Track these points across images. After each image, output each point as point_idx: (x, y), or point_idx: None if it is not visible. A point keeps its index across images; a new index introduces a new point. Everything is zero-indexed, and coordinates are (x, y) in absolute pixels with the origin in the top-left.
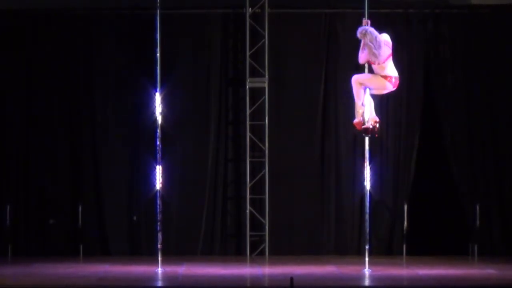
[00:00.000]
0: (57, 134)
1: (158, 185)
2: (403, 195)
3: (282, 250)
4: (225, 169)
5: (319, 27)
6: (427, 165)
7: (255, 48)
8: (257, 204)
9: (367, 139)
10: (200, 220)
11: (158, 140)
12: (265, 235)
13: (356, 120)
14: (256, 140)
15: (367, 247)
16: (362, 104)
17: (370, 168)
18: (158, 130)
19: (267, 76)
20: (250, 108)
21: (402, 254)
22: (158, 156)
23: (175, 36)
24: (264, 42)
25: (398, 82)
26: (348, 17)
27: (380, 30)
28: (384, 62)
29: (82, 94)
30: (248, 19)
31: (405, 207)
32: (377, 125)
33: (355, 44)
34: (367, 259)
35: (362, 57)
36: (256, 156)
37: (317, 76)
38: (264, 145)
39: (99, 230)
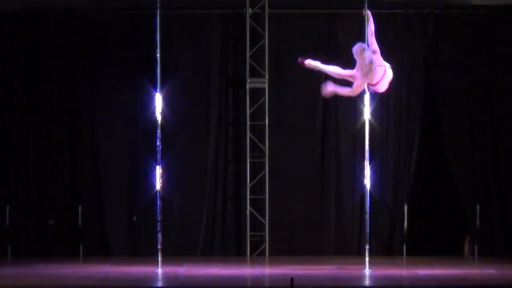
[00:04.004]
0: (57, 134)
1: (158, 185)
2: (403, 195)
3: (282, 250)
4: (225, 169)
5: (319, 27)
6: (427, 165)
7: (255, 48)
8: (257, 204)
9: (367, 139)
10: (200, 220)
11: (158, 140)
12: (265, 235)
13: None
14: (256, 141)
15: (367, 247)
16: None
17: (370, 168)
18: (158, 130)
19: (267, 76)
20: (250, 108)
21: (402, 254)
22: (158, 156)
23: (175, 36)
24: (264, 42)
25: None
26: (348, 17)
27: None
28: (378, 83)
29: (82, 94)
30: (248, 20)
31: (405, 207)
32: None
33: (355, 44)
34: (367, 259)
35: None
36: (256, 156)
37: (317, 76)
38: (264, 145)
39: (99, 230)
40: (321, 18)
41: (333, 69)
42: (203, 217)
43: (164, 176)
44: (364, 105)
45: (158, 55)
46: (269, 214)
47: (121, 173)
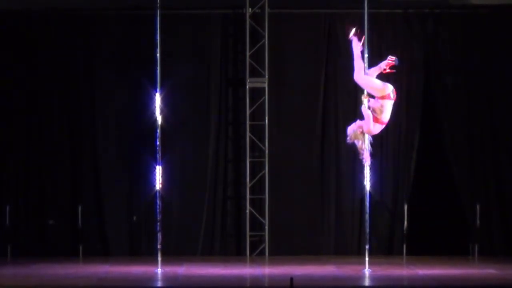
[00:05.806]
0: (57, 134)
1: (158, 185)
2: (403, 195)
3: (282, 250)
4: (225, 169)
5: (319, 27)
6: (427, 165)
7: (255, 48)
8: (257, 204)
9: (366, 139)
10: (200, 220)
11: (158, 140)
12: (265, 235)
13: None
14: (256, 140)
15: (367, 247)
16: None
17: (370, 168)
18: (158, 130)
19: (267, 76)
20: (250, 108)
21: (402, 254)
22: (158, 156)
23: (175, 36)
24: (264, 42)
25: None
26: (348, 17)
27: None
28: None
29: (82, 94)
30: (248, 19)
31: (405, 207)
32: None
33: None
34: (367, 259)
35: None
36: (256, 156)
37: (317, 76)
38: (264, 145)
39: (99, 230)
40: (321, 18)
41: (359, 64)
42: (203, 217)
43: (164, 176)
44: (363, 105)
45: (158, 55)
46: (268, 214)
47: (121, 173)
